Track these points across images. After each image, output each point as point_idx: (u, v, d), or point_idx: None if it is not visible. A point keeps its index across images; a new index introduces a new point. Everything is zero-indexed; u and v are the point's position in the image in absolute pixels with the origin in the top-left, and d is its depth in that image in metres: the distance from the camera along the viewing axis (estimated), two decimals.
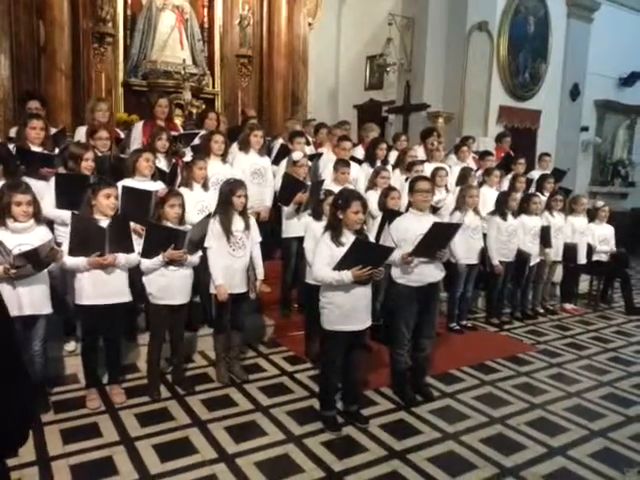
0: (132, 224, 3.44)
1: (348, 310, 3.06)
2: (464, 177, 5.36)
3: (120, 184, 3.58)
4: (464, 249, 4.79)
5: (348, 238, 3.02)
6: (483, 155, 6.18)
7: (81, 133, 4.59)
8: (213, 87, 8.38)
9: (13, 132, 4.07)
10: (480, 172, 5.86)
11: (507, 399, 3.66)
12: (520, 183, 5.62)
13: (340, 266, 2.95)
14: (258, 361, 4.10)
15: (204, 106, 7.78)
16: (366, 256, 2.97)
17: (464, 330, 5.00)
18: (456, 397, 3.64)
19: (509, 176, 5.91)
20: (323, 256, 3.04)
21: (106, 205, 3.16)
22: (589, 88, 9.19)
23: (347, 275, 2.94)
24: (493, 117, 7.73)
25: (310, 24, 8.88)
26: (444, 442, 3.05)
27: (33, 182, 3.34)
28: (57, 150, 3.94)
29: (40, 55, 6.82)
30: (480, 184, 5.54)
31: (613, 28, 9.03)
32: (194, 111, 7.62)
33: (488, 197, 5.37)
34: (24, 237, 2.94)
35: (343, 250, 2.97)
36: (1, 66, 6.50)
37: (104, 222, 3.15)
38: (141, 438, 2.91)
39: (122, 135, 4.81)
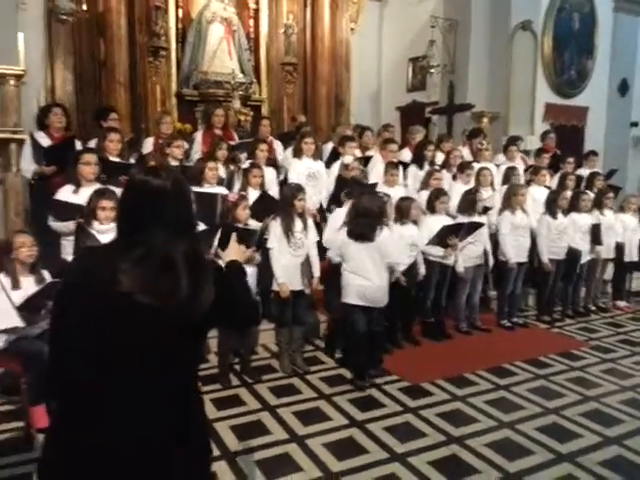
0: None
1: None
2: (508, 176, 5.46)
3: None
4: (514, 248, 4.89)
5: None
6: (538, 152, 6.23)
7: (148, 143, 4.96)
8: (260, 94, 8.67)
9: (93, 144, 4.46)
10: (528, 170, 5.91)
11: (561, 392, 3.75)
12: (570, 181, 5.65)
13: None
14: (317, 354, 4.33)
15: (252, 113, 8.10)
16: None
17: (515, 327, 5.08)
18: (510, 389, 3.76)
19: (558, 174, 5.94)
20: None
21: None
22: (639, 83, 9.03)
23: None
24: (539, 115, 7.71)
25: (352, 29, 9.09)
26: (500, 430, 3.20)
27: (113, 189, 3.68)
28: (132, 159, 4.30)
29: (101, 70, 7.25)
30: (527, 183, 5.61)
31: None
32: (242, 118, 7.95)
33: (536, 196, 5.43)
34: (105, 237, 3.26)
35: None
36: (66, 82, 6.96)
37: None
38: (219, 420, 3.19)
39: (186, 145, 5.14)
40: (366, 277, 3.71)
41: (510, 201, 4.93)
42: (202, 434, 1.55)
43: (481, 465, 2.82)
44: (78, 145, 4.39)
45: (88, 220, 3.28)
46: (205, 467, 1.55)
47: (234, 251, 1.67)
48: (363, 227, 3.71)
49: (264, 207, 4.06)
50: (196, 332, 1.43)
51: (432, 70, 7.88)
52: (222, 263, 1.63)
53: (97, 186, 3.56)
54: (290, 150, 5.64)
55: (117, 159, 4.09)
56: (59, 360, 1.45)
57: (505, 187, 5.23)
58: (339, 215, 4.21)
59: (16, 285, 2.98)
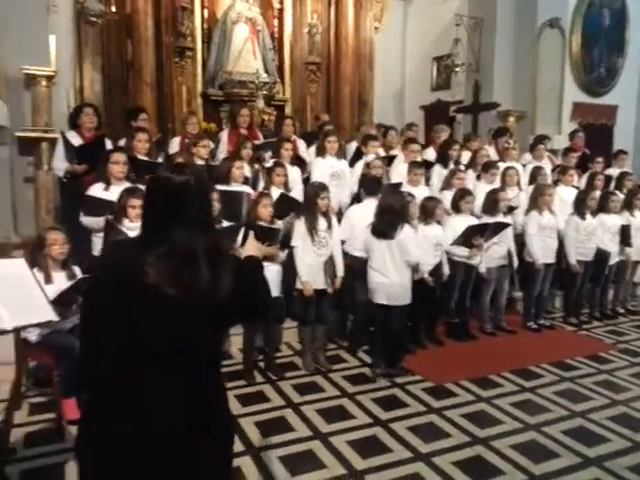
0: None
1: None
2: (534, 176, 5.38)
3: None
4: (541, 249, 4.82)
5: None
6: (566, 152, 6.13)
7: (175, 143, 5.04)
8: (283, 94, 8.71)
9: (122, 143, 4.56)
10: (555, 170, 5.82)
11: (588, 395, 3.69)
12: (599, 181, 5.55)
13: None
14: (339, 353, 4.34)
15: (275, 113, 8.15)
16: None
17: (541, 329, 5.01)
18: (536, 391, 3.72)
19: (586, 174, 5.84)
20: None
21: None
22: None
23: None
24: (566, 114, 7.57)
25: (376, 28, 9.07)
26: (526, 432, 3.17)
27: (142, 187, 3.75)
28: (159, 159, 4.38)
29: (128, 70, 7.38)
30: (555, 182, 5.52)
31: None
32: (266, 118, 8.00)
33: (564, 196, 5.35)
34: (134, 235, 3.32)
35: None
36: (95, 82, 7.10)
37: None
38: (243, 416, 3.24)
39: (211, 144, 5.20)
40: (385, 275, 3.78)
41: (537, 201, 4.87)
42: (225, 427, 1.59)
43: (506, 467, 2.79)
44: (108, 144, 4.48)
45: (118, 217, 3.36)
46: (228, 459, 1.60)
47: (251, 247, 1.74)
48: (384, 224, 3.78)
49: (284, 206, 4.10)
50: (218, 322, 1.48)
51: (457, 69, 7.82)
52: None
53: (127, 184, 3.63)
54: (313, 149, 5.67)
55: (145, 158, 4.17)
56: (89, 354, 1.50)
57: (532, 187, 5.16)
58: (354, 212, 4.31)
59: (48, 280, 3.07)
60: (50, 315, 2.20)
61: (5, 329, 2.04)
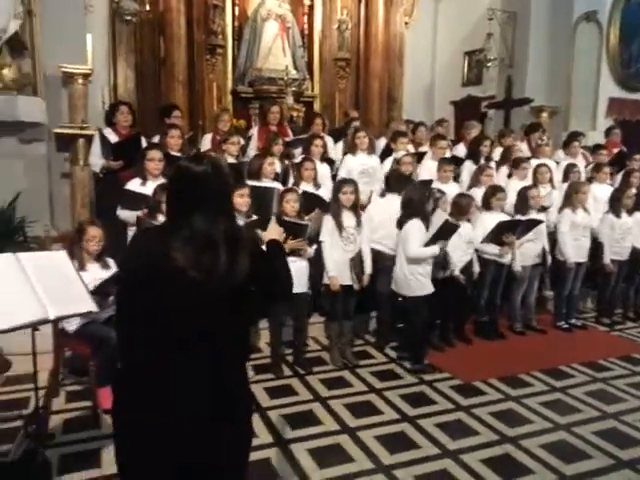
0: None
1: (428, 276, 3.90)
2: (567, 173, 5.28)
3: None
4: (573, 247, 4.74)
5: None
6: (595, 149, 5.99)
7: (207, 140, 5.12)
8: (312, 90, 8.74)
9: (156, 139, 4.66)
10: (589, 167, 5.69)
11: (621, 396, 3.62)
12: (635, 179, 5.39)
13: (429, 243, 3.80)
14: (367, 349, 4.36)
15: (304, 109, 8.18)
16: (446, 233, 3.82)
17: (573, 329, 4.93)
18: (566, 391, 3.67)
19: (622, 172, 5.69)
20: (418, 239, 3.79)
21: (241, 203, 3.57)
22: None
23: (436, 248, 3.80)
24: (602, 110, 7.40)
25: (407, 23, 9.00)
26: (556, 432, 3.13)
27: None
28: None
29: (160, 68, 7.52)
30: (589, 180, 5.40)
31: None
32: (295, 114, 8.04)
33: (597, 193, 5.23)
34: None
35: (429, 233, 3.80)
36: (128, 80, 7.26)
37: (239, 219, 3.54)
38: (271, 408, 3.29)
39: (242, 141, 5.26)
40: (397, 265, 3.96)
41: (571, 199, 4.77)
42: (247, 415, 1.66)
43: (536, 466, 2.77)
44: (143, 142, 4.59)
45: (153, 213, 3.44)
46: (248, 446, 1.68)
47: (273, 231, 1.83)
48: (403, 217, 3.88)
49: (308, 203, 4.13)
50: (237, 305, 1.53)
51: (489, 64, 7.70)
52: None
53: (162, 181, 3.72)
54: (340, 145, 5.67)
55: (178, 154, 4.25)
56: (125, 344, 1.58)
57: (565, 185, 5.06)
58: (374, 205, 4.36)
59: (82, 269, 3.17)
60: (90, 306, 2.29)
61: (48, 319, 2.12)
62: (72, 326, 3.16)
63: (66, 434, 2.98)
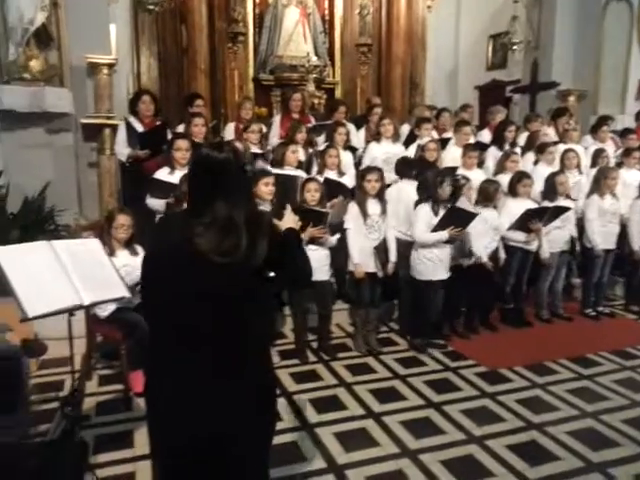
0: None
1: (441, 263, 3.91)
2: (595, 159, 5.17)
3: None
4: (601, 234, 4.66)
5: (441, 210, 3.84)
6: (624, 133, 5.84)
7: (230, 128, 5.15)
8: (333, 77, 8.68)
9: (181, 128, 4.71)
10: (619, 152, 5.56)
11: None
12: None
13: (437, 228, 3.79)
14: (391, 336, 4.38)
15: (325, 96, 8.14)
16: (456, 219, 3.77)
17: (600, 316, 4.86)
18: (594, 379, 3.64)
19: None
20: (424, 223, 3.83)
21: (266, 192, 3.59)
22: None
23: (444, 234, 3.77)
24: (632, 93, 7.17)
25: (429, 6, 8.84)
26: (583, 419, 3.12)
27: None
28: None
29: (183, 56, 7.55)
30: (618, 165, 5.28)
31: None
32: (316, 102, 8.00)
33: (627, 179, 5.11)
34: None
35: (437, 218, 3.80)
36: (151, 69, 7.32)
37: (265, 207, 3.57)
38: (297, 393, 3.34)
39: (264, 128, 5.28)
40: None
41: (599, 185, 4.68)
42: (272, 398, 1.72)
43: (562, 452, 2.77)
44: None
45: (180, 202, 3.50)
46: (271, 429, 1.72)
47: (290, 220, 1.86)
48: (417, 201, 3.96)
49: (331, 190, 4.14)
50: (257, 289, 1.57)
51: (514, 47, 7.53)
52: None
53: None
54: (362, 132, 5.64)
55: (203, 142, 4.28)
56: (152, 329, 1.63)
57: (593, 170, 4.96)
58: (392, 191, 4.28)
59: (112, 255, 3.24)
60: (122, 291, 2.35)
61: (83, 304, 2.18)
62: (104, 312, 3.25)
63: (99, 416, 3.08)
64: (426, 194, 3.91)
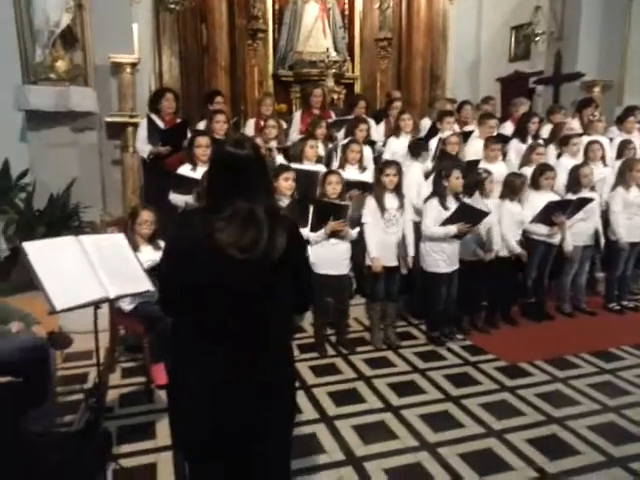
0: None
1: (447, 256, 3.91)
2: (622, 150, 5.05)
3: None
4: (626, 227, 4.56)
5: (451, 203, 3.84)
6: None
7: (250, 125, 5.19)
8: (353, 72, 8.66)
9: (202, 125, 4.78)
10: None
11: None
12: None
13: (446, 223, 3.80)
14: (410, 330, 4.37)
15: (345, 91, 8.12)
16: (467, 216, 3.77)
17: (624, 310, 4.77)
18: (617, 374, 3.58)
19: None
20: (432, 217, 3.84)
21: (286, 187, 3.63)
22: None
23: (452, 229, 3.77)
24: None
25: None
26: (605, 414, 3.08)
27: None
28: None
29: (203, 54, 7.63)
30: None
31: None
32: (335, 97, 8.00)
33: None
34: None
35: (448, 213, 3.78)
36: (173, 67, 7.41)
37: (284, 202, 3.61)
38: (317, 386, 3.37)
39: (284, 124, 5.31)
40: None
41: (625, 177, 4.58)
42: (293, 391, 1.74)
43: (583, 447, 2.74)
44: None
45: (203, 198, 3.54)
46: (292, 421, 1.76)
47: None
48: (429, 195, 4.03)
49: (351, 189, 4.16)
50: (278, 284, 1.60)
51: (537, 38, 7.41)
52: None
53: None
54: (382, 126, 5.62)
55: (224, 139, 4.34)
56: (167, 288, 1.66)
57: (619, 162, 4.86)
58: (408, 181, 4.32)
59: (136, 250, 3.32)
60: (147, 285, 2.40)
61: (109, 297, 2.25)
62: (128, 305, 3.33)
63: (122, 407, 3.15)
64: (434, 187, 3.94)
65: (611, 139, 5.41)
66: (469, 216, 3.81)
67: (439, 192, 3.88)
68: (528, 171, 4.57)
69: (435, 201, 3.88)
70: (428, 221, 3.88)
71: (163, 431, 2.86)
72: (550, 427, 2.93)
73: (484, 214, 3.86)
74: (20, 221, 4.48)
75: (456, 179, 3.84)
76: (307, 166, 4.25)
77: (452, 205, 3.85)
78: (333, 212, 3.69)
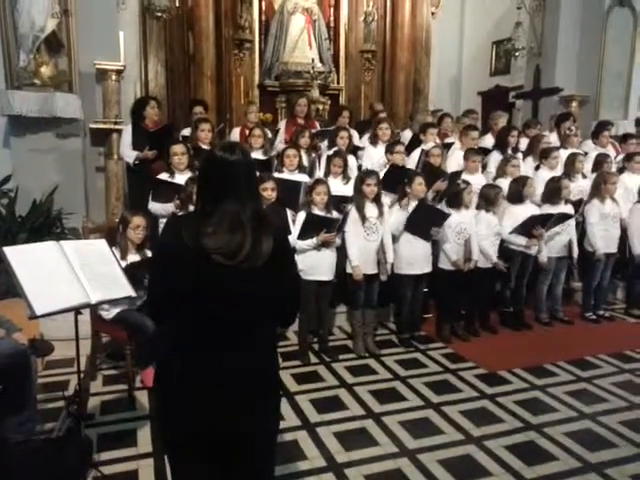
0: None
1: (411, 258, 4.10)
2: (599, 163, 5.19)
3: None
4: (603, 238, 4.69)
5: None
6: (625, 138, 5.87)
7: (236, 133, 5.22)
8: (338, 83, 8.76)
9: (186, 132, 4.79)
10: (620, 157, 5.60)
11: None
12: None
13: (407, 224, 4.00)
14: (391, 338, 4.42)
15: (329, 102, 8.21)
16: (428, 217, 4.04)
17: (601, 320, 4.88)
18: (593, 382, 3.66)
19: None
20: (394, 218, 4.08)
21: (265, 196, 3.66)
22: None
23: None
24: (635, 99, 7.21)
25: (433, 13, 8.92)
26: (581, 420, 3.15)
27: None
28: None
29: (190, 63, 7.65)
30: (620, 170, 5.31)
31: None
32: (320, 107, 8.07)
33: (628, 183, 5.14)
34: None
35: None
36: (158, 75, 7.41)
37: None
38: (299, 393, 3.39)
39: (269, 134, 5.35)
40: None
41: (600, 189, 4.72)
42: (278, 395, 1.76)
43: (560, 453, 2.80)
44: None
45: (185, 205, 3.56)
46: (277, 424, 1.76)
47: None
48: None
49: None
50: (264, 287, 1.60)
51: (517, 53, 7.59)
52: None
53: (190, 174, 3.83)
54: (366, 138, 5.70)
55: (208, 147, 4.36)
56: (156, 296, 1.66)
57: (594, 175, 4.99)
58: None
59: (124, 258, 3.32)
60: (128, 291, 2.41)
61: (90, 303, 2.25)
62: (109, 314, 3.31)
63: (104, 415, 3.13)
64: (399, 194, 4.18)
65: (586, 153, 5.56)
66: (429, 216, 4.04)
67: (402, 197, 4.13)
68: (503, 182, 4.67)
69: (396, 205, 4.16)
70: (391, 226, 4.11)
71: (144, 438, 2.85)
72: (528, 434, 2.99)
73: (445, 215, 4.05)
74: (2, 227, 4.43)
75: (419, 185, 4.05)
76: (288, 175, 4.28)
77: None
78: (325, 225, 3.76)
